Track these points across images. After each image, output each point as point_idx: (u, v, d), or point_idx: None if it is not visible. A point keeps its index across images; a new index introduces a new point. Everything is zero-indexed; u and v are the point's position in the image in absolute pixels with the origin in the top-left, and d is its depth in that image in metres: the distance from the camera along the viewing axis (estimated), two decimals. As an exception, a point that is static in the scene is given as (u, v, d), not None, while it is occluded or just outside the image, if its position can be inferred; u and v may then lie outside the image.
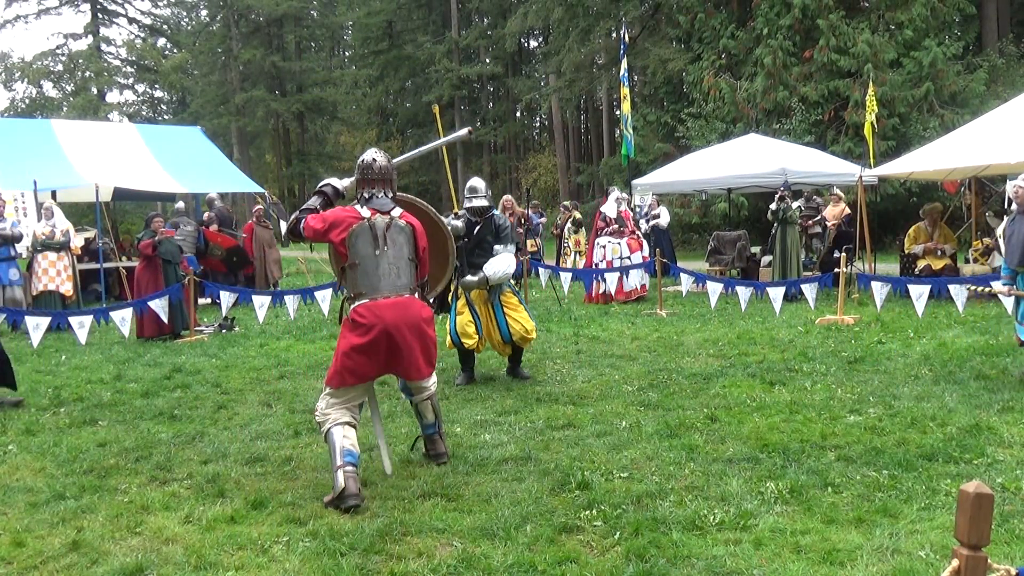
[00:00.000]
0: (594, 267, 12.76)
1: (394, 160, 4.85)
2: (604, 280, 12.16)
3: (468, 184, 7.13)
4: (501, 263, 6.76)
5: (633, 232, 13.14)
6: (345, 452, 4.18)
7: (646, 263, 12.48)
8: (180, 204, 14.26)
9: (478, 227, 6.91)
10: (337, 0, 52.03)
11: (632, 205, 16.64)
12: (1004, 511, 3.69)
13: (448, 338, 6.90)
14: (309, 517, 3.98)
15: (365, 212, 4.51)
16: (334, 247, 4.49)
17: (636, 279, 12.44)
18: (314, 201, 4.67)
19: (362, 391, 4.48)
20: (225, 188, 19.71)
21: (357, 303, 4.42)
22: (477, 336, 6.86)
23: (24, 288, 11.28)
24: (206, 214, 14.47)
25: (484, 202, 6.95)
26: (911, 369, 6.81)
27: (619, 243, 12.74)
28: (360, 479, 4.22)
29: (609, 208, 13.09)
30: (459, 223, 6.82)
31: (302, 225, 4.49)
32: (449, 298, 7.04)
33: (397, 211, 4.60)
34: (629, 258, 12.67)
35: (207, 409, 6.35)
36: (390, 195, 4.64)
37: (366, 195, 4.59)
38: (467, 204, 6.97)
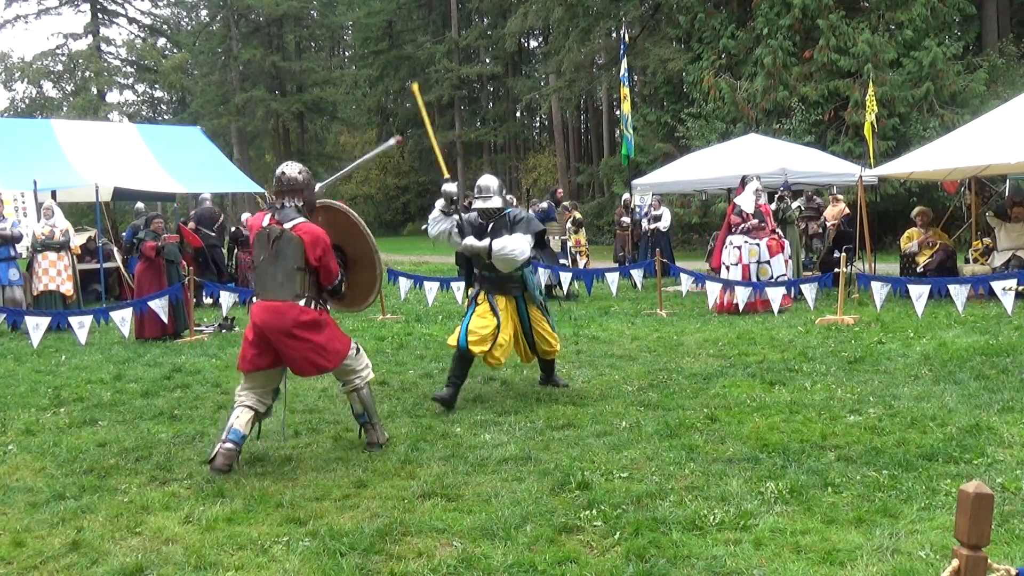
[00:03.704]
0: (724, 268, 11.15)
1: (326, 180, 5.32)
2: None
3: (477, 183, 6.38)
4: (512, 241, 5.98)
5: (774, 231, 11.13)
6: (232, 430, 4.71)
7: (647, 263, 12.41)
8: (140, 205, 14.39)
9: (491, 224, 6.17)
10: (337, 0, 52.05)
11: (632, 205, 16.65)
12: (1004, 511, 3.68)
13: (455, 336, 6.14)
14: (309, 517, 3.98)
15: (266, 221, 4.86)
16: None
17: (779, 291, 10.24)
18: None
19: (264, 379, 4.89)
20: (225, 188, 19.74)
21: (255, 301, 4.94)
22: (489, 345, 6.05)
23: (24, 288, 11.29)
24: (192, 212, 14.75)
25: (496, 203, 6.18)
26: (911, 369, 6.80)
27: (757, 244, 10.85)
28: (236, 459, 4.69)
29: (745, 201, 11.07)
30: (472, 215, 6.24)
31: None
32: (468, 293, 6.49)
33: (292, 223, 4.74)
34: (768, 263, 10.81)
35: (207, 409, 6.35)
36: (299, 204, 4.83)
37: (276, 204, 4.86)
38: (476, 204, 6.26)
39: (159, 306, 9.59)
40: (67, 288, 11.42)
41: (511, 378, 6.99)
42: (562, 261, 13.50)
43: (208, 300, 13.15)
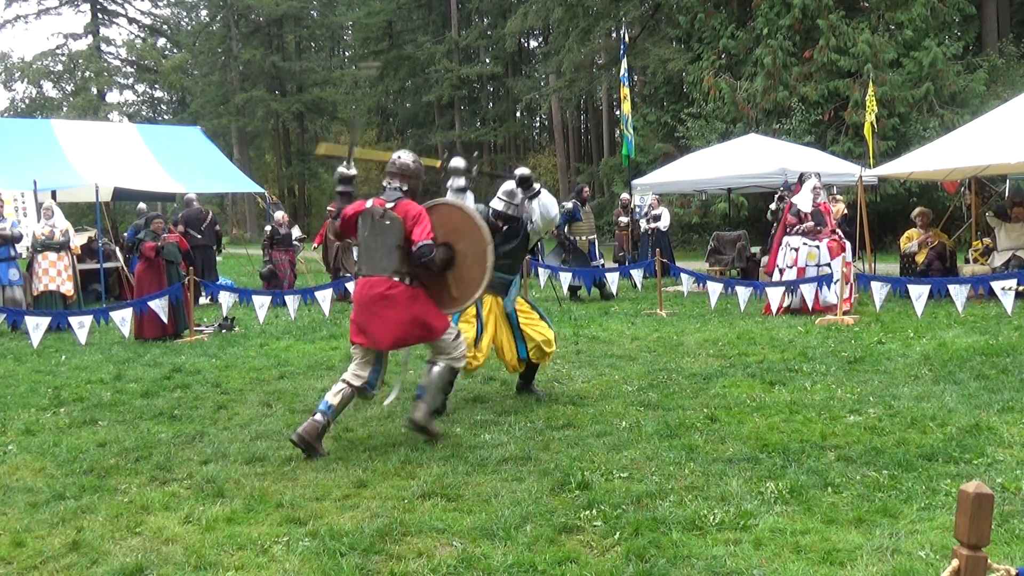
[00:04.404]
0: (777, 271, 10.53)
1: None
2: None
3: (504, 188, 6.22)
4: (544, 205, 6.02)
5: (834, 231, 10.53)
6: (323, 400, 5.06)
7: (647, 263, 12.37)
8: (142, 206, 14.39)
9: (506, 228, 6.14)
10: (337, 0, 52.06)
11: (632, 205, 16.63)
12: (1004, 511, 3.68)
13: None
14: (309, 517, 3.98)
15: (369, 202, 5.17)
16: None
17: (834, 288, 9.79)
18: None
19: (364, 352, 5.12)
20: (225, 188, 19.75)
21: (357, 277, 5.34)
22: (474, 349, 5.92)
23: (24, 288, 11.28)
24: (179, 215, 14.77)
25: (515, 213, 6.17)
26: (911, 369, 6.80)
27: (816, 246, 10.26)
28: (319, 433, 4.93)
29: (803, 200, 10.49)
30: (483, 208, 6.10)
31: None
32: None
33: (393, 203, 5.09)
34: (829, 265, 10.13)
35: (207, 409, 6.35)
36: (404, 188, 5.17)
37: (383, 184, 5.23)
38: (500, 208, 6.16)
39: (159, 306, 9.59)
40: (67, 288, 11.42)
41: (511, 378, 6.99)
42: (593, 263, 13.15)
43: (205, 300, 13.16)
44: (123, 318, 9.52)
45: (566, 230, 13.18)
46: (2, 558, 3.64)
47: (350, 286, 12.89)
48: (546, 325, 6.28)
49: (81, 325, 9.31)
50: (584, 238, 13.28)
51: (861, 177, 12.53)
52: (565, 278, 11.98)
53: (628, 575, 3.28)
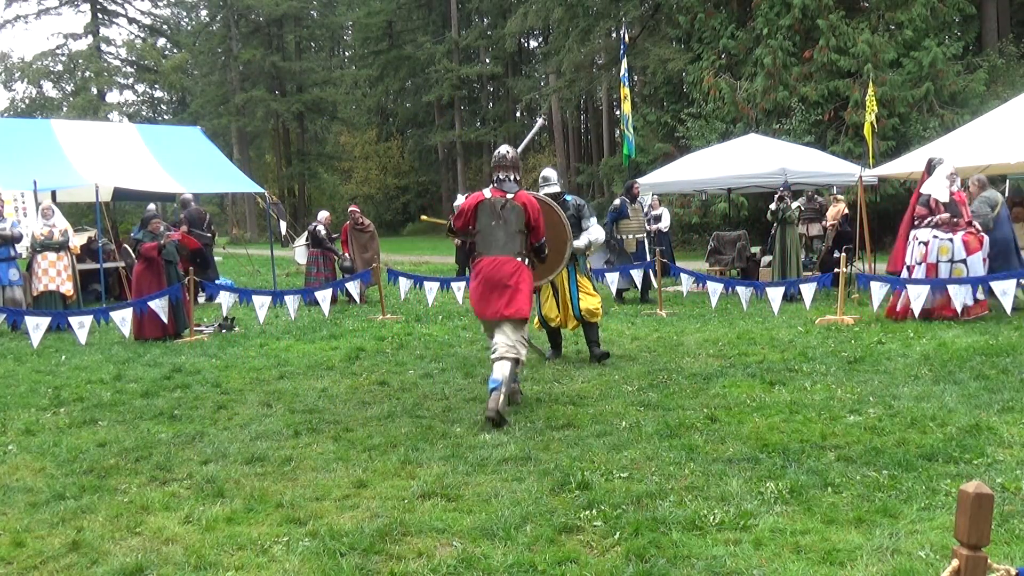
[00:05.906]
0: (906, 270, 9.57)
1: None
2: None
3: (541, 174, 8.01)
4: (598, 231, 7.70)
5: (970, 223, 9.33)
6: (491, 379, 5.60)
7: (647, 263, 12.30)
8: (152, 207, 14.40)
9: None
10: (337, 0, 52.10)
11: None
12: (1004, 511, 3.68)
13: (536, 320, 7.93)
14: (309, 517, 3.98)
15: (488, 193, 5.90)
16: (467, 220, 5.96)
17: (965, 291, 8.65)
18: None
19: (489, 327, 5.90)
20: (225, 188, 19.76)
21: (477, 259, 5.88)
22: (559, 316, 7.76)
23: (24, 288, 11.28)
24: (181, 215, 14.72)
25: (556, 188, 7.75)
26: (911, 369, 6.80)
27: (950, 240, 9.20)
28: (504, 401, 5.51)
29: (937, 188, 9.37)
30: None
31: (451, 226, 6.13)
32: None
33: (513, 194, 5.87)
34: (964, 262, 9.14)
35: (207, 409, 6.35)
36: (518, 178, 5.95)
37: (500, 176, 5.92)
38: (544, 191, 7.69)
39: (159, 306, 9.59)
40: (67, 288, 11.42)
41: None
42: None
43: (201, 299, 13.15)
44: (123, 318, 9.52)
45: (614, 229, 12.89)
46: (2, 558, 3.64)
47: (351, 287, 12.97)
48: (597, 297, 7.77)
49: (81, 325, 9.31)
50: (632, 236, 12.93)
51: (861, 177, 12.52)
52: (612, 279, 11.68)
53: (628, 575, 3.28)
